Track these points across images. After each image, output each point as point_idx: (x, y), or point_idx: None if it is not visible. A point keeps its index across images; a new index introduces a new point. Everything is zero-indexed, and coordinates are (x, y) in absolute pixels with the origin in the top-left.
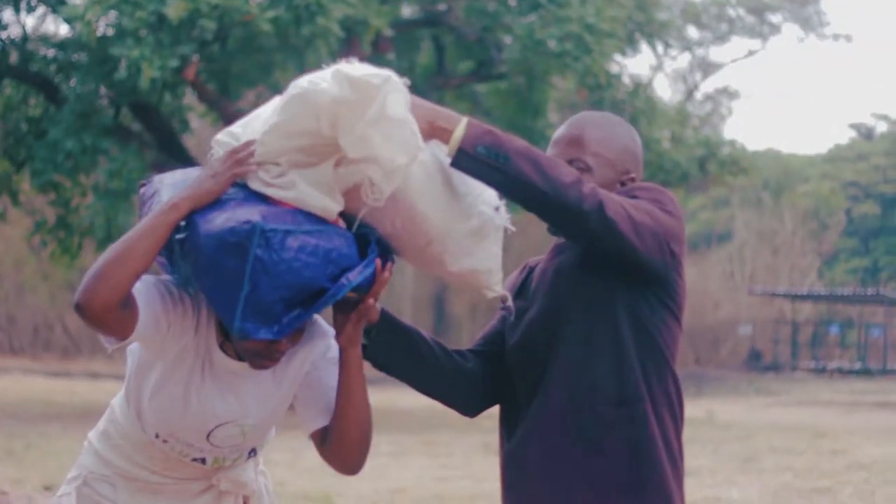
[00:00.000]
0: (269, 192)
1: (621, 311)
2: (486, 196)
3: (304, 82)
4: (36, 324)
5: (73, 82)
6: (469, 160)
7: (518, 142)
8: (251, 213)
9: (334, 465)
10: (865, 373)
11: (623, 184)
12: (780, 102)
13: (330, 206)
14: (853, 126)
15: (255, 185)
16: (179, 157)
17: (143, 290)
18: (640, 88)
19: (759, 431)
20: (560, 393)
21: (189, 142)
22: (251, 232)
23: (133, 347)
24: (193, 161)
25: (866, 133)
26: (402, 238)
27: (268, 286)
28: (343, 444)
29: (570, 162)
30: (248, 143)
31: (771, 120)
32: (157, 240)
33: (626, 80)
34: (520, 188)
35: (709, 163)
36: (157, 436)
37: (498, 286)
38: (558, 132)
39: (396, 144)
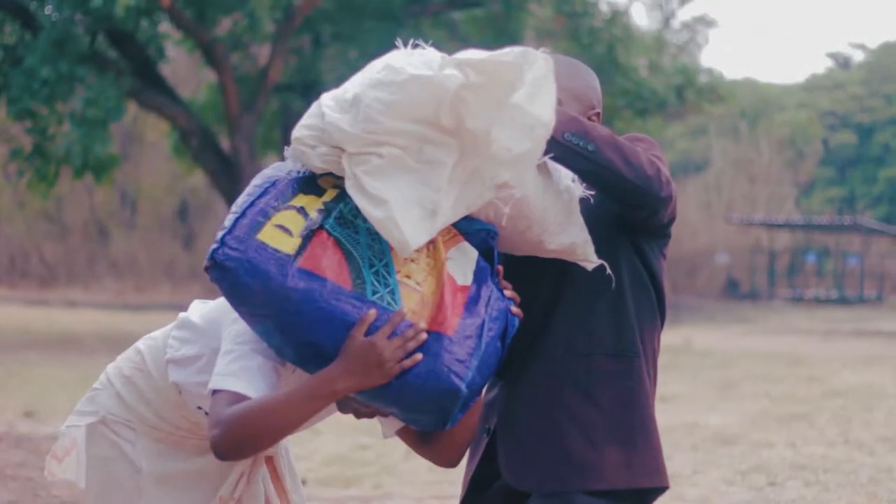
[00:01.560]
0: (359, 202)
1: (624, 267)
2: (565, 169)
3: (423, 67)
4: (12, 253)
5: (48, 9)
6: (558, 147)
7: (601, 129)
8: (456, 376)
9: (438, 461)
10: (842, 301)
11: (589, 118)
12: (758, 32)
13: (411, 239)
14: (830, 55)
15: (349, 182)
16: (156, 86)
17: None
18: (618, 16)
19: (736, 359)
20: (559, 340)
21: (166, 70)
22: (455, 396)
23: (190, 353)
24: (170, 90)
25: (843, 62)
26: (501, 225)
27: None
28: (453, 445)
29: None
30: (418, 330)
31: (748, 49)
32: (305, 416)
33: (603, 7)
34: (605, 175)
35: (686, 91)
36: (199, 407)
37: (593, 256)
38: None
39: (523, 130)
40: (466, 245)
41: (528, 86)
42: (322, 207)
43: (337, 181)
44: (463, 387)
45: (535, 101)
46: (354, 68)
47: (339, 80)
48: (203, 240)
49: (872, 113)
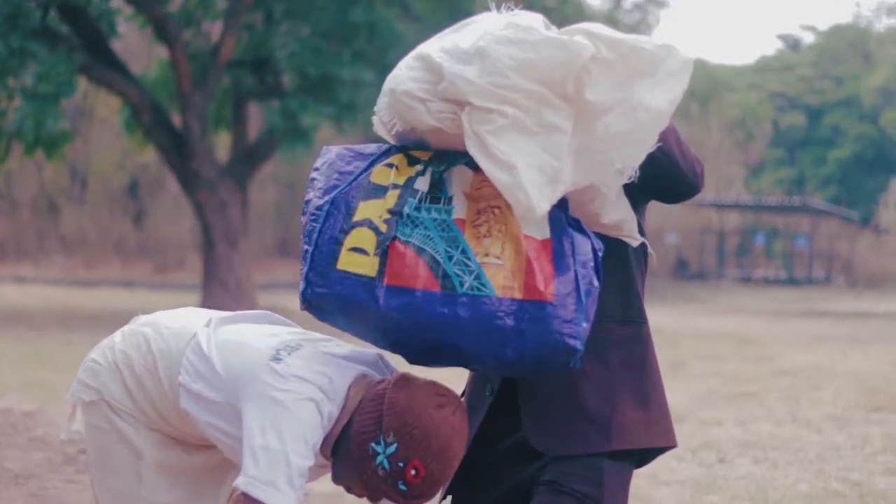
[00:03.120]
0: (484, 164)
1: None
2: None
3: (554, 31)
4: None
5: None
6: None
7: None
8: (569, 337)
9: None
10: (791, 282)
11: None
12: (708, 13)
13: (537, 205)
14: (780, 37)
15: (470, 142)
16: (108, 61)
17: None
18: None
19: (685, 338)
20: None
21: (117, 45)
22: (574, 353)
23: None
24: (122, 65)
25: (793, 44)
26: (570, 195)
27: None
28: None
29: None
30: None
31: (699, 30)
32: None
33: None
34: (665, 163)
35: None
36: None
37: (637, 233)
38: None
39: (628, 112)
40: None
41: (658, 77)
42: (388, 216)
43: (396, 173)
44: (578, 344)
45: (655, 90)
46: (307, 45)
47: (292, 57)
48: (153, 216)
49: (822, 95)
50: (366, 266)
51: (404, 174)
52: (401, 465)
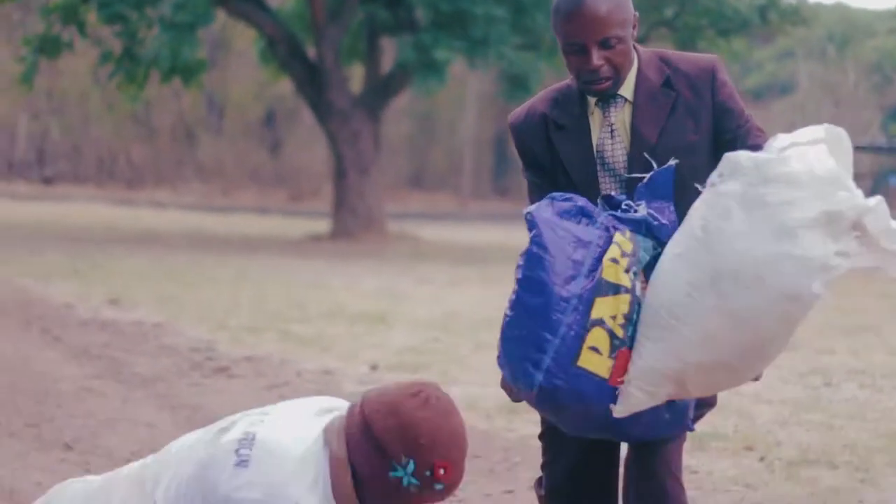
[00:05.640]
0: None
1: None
2: None
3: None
4: (101, 154)
5: None
6: None
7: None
8: None
9: None
10: None
11: (634, 27)
12: None
13: None
14: None
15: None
16: None
17: None
18: None
19: None
20: None
21: None
22: None
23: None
24: (264, 3)
25: None
26: None
27: None
28: None
29: (607, 40)
30: None
31: None
32: None
33: None
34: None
35: (769, 12)
36: None
37: None
38: (570, 9)
39: None
40: None
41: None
42: (623, 321)
43: (622, 273)
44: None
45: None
46: None
47: None
48: (288, 146)
49: None
50: (601, 367)
51: (628, 278)
52: (428, 473)
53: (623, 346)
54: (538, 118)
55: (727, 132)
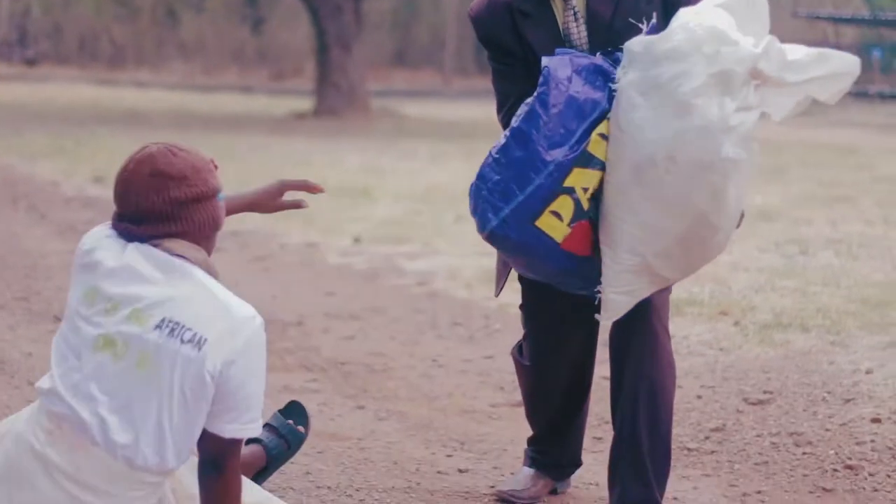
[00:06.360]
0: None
1: None
2: None
3: None
4: (82, 34)
5: None
6: None
7: None
8: None
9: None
10: None
11: None
12: None
13: None
14: None
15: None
16: None
17: None
18: None
19: (789, 147)
20: None
21: None
22: None
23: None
24: None
25: None
26: None
27: None
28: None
29: None
30: None
31: None
32: None
33: None
34: None
35: None
36: None
37: None
38: None
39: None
40: None
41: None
42: (591, 197)
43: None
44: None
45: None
46: None
47: None
48: (271, 24)
49: None
50: (557, 232)
51: None
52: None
53: (584, 219)
54: (502, 8)
55: (679, 3)
